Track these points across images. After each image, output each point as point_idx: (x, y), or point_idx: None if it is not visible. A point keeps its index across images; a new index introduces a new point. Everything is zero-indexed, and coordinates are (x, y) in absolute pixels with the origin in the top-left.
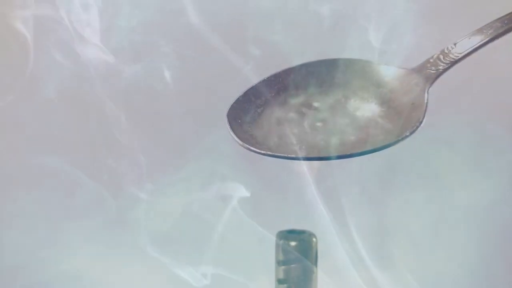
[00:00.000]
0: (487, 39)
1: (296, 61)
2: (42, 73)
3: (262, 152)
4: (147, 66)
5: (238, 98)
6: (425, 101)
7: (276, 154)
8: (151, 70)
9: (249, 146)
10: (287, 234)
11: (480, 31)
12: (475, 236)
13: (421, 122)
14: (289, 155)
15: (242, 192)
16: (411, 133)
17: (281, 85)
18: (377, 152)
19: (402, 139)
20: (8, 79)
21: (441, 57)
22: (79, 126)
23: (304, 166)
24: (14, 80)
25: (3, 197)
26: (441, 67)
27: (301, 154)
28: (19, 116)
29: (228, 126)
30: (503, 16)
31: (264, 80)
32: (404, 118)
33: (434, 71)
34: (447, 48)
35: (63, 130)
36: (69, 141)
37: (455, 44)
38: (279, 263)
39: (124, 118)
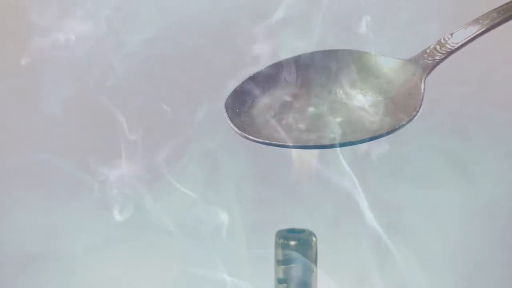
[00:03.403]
0: (483, 29)
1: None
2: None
3: (260, 140)
4: (144, 63)
5: (235, 88)
6: (422, 91)
7: (273, 142)
8: (148, 66)
9: (247, 135)
10: (287, 233)
11: (476, 21)
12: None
13: (417, 111)
14: (286, 144)
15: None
16: (407, 122)
17: (278, 75)
18: (375, 142)
19: (399, 127)
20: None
21: (438, 47)
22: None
23: (302, 160)
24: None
25: (7, 196)
26: (437, 57)
27: (298, 143)
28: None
29: (226, 116)
30: (499, 6)
31: (261, 71)
32: (400, 108)
33: (431, 61)
34: (444, 39)
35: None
36: (69, 138)
37: (451, 34)
38: (278, 262)
39: (124, 114)
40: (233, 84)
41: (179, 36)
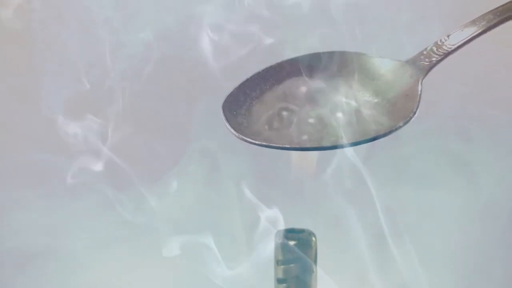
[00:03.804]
0: (480, 30)
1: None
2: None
3: (257, 142)
4: (144, 63)
5: (232, 90)
6: (419, 93)
7: (271, 144)
8: (149, 67)
9: (244, 137)
10: (286, 233)
11: (473, 22)
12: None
13: (414, 113)
14: (284, 146)
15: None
16: (404, 124)
17: (275, 77)
18: (376, 142)
19: (396, 129)
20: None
21: (435, 48)
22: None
23: (300, 159)
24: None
25: (7, 196)
26: (434, 59)
27: (296, 145)
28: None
29: (223, 118)
30: (495, 8)
31: (258, 73)
32: (398, 109)
33: (427, 63)
34: (440, 40)
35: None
36: (69, 138)
37: (448, 36)
38: (278, 262)
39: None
40: (233, 84)
41: (180, 37)
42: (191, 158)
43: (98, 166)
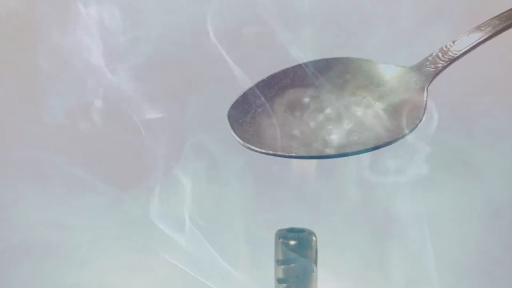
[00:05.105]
0: (485, 36)
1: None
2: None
3: (263, 151)
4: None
5: (238, 98)
6: (425, 99)
7: (277, 153)
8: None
9: (250, 146)
10: (287, 233)
11: (478, 28)
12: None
13: (420, 120)
14: (289, 154)
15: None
16: (410, 131)
17: (280, 84)
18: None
19: (402, 137)
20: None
21: (440, 55)
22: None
23: (304, 164)
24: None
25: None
26: (440, 65)
27: (301, 153)
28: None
29: (229, 126)
30: (501, 14)
31: (263, 80)
32: (403, 116)
33: (433, 69)
34: (446, 46)
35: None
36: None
37: (453, 42)
38: (278, 262)
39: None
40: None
41: (182, 39)
42: (192, 158)
43: (98, 165)
